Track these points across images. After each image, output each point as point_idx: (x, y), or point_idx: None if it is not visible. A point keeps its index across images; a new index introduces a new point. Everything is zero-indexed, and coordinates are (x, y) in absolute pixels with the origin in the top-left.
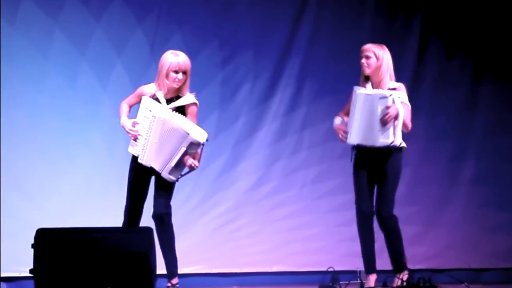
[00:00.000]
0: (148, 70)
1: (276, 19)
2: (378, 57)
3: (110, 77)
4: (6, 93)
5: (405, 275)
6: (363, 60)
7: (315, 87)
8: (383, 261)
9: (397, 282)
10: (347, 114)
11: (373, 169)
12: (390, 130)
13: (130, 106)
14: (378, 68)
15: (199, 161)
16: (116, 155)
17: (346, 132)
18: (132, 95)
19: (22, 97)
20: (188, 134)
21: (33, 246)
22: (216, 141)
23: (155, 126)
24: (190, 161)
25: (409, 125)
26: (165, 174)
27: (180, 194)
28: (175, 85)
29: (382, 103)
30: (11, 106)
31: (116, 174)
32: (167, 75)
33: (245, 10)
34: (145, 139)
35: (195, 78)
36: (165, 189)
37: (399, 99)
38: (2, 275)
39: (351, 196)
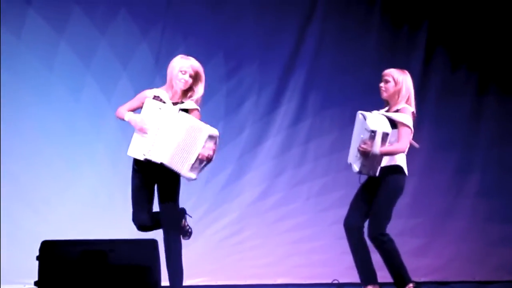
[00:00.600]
0: (153, 82)
1: (281, 31)
2: (397, 82)
3: (115, 89)
4: (11, 105)
5: None
6: (382, 84)
7: (320, 99)
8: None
9: None
10: None
11: (370, 188)
12: (361, 160)
13: (130, 111)
14: (396, 93)
15: (214, 153)
16: (120, 167)
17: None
18: (133, 100)
19: (27, 109)
20: (205, 129)
21: (37, 258)
22: (221, 152)
23: (168, 123)
24: (207, 152)
25: (401, 150)
26: (185, 173)
27: (184, 206)
28: (182, 86)
29: (365, 134)
30: (16, 118)
31: (120, 186)
32: (175, 75)
33: (250, 22)
34: (155, 135)
35: None
36: (171, 198)
37: (387, 137)
38: (7, 287)
39: None
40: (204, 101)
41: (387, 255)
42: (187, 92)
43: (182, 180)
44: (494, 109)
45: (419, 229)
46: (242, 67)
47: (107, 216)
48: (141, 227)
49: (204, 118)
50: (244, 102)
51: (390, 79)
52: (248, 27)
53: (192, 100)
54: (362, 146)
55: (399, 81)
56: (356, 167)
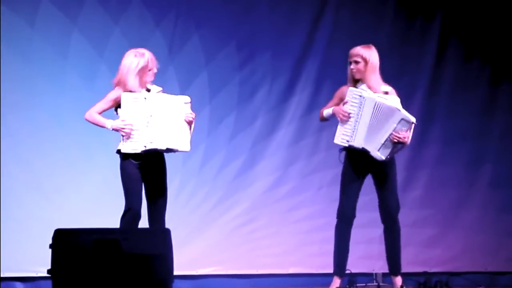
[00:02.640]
0: (166, 71)
1: (294, 21)
2: (367, 60)
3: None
4: (25, 93)
5: (400, 280)
6: (352, 66)
7: (333, 89)
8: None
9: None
10: None
11: (367, 171)
12: (390, 149)
13: (100, 114)
14: (368, 71)
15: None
16: None
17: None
18: (102, 101)
19: (41, 98)
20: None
21: (51, 246)
22: (233, 142)
23: (159, 109)
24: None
25: None
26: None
27: (197, 195)
28: (152, 78)
29: (402, 124)
30: (30, 106)
31: None
32: (145, 73)
33: (263, 11)
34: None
35: (213, 79)
36: (163, 198)
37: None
38: (19, 275)
39: (369, 198)
40: (216, 90)
41: (398, 236)
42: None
43: (195, 171)
44: (507, 101)
45: (432, 220)
46: (255, 56)
47: (120, 205)
48: (138, 216)
49: (217, 107)
50: (257, 92)
51: (359, 59)
52: (261, 17)
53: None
54: (398, 136)
55: (369, 59)
56: (381, 155)
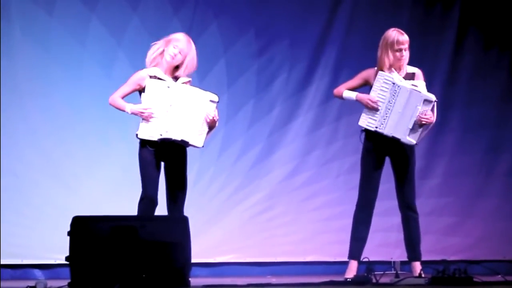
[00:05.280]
0: None
1: (312, 9)
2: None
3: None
4: (43, 80)
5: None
6: (403, 54)
7: (350, 77)
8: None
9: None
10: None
11: (386, 154)
12: (419, 132)
13: (123, 97)
14: (408, 57)
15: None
16: None
17: (374, 102)
18: (126, 84)
19: (59, 85)
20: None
21: (69, 233)
22: (251, 130)
23: (181, 100)
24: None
25: None
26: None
27: (215, 183)
28: (168, 58)
29: (425, 105)
30: (48, 93)
31: None
32: (167, 48)
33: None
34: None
35: (231, 67)
36: (182, 192)
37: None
38: (38, 262)
39: (386, 186)
40: (234, 78)
41: (415, 223)
42: (176, 68)
43: (213, 159)
44: None
45: (450, 208)
46: (273, 44)
47: (138, 192)
48: (154, 203)
49: (235, 95)
50: (275, 80)
51: (407, 46)
52: (280, 5)
53: (188, 76)
54: (425, 117)
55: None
56: (412, 140)
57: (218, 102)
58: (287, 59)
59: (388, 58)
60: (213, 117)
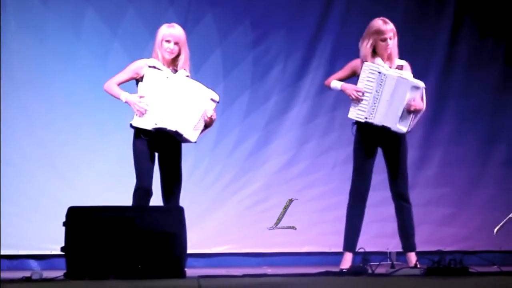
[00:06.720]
0: None
1: None
2: (395, 35)
3: (141, 56)
4: (39, 71)
5: (415, 258)
6: (389, 43)
7: None
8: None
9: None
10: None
11: (378, 145)
12: (409, 120)
13: (119, 85)
14: (395, 46)
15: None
16: None
17: (359, 92)
18: (124, 72)
19: (55, 75)
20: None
21: (64, 224)
22: (247, 121)
23: (178, 91)
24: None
25: None
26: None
27: (210, 174)
28: (167, 55)
29: (413, 92)
30: (44, 84)
31: None
32: (160, 45)
33: None
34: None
35: (227, 58)
36: (177, 183)
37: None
38: (33, 253)
39: (382, 176)
40: (230, 69)
41: (408, 213)
42: (175, 60)
43: (208, 149)
44: None
45: (446, 199)
46: (269, 35)
47: (134, 182)
48: (148, 193)
49: (231, 86)
50: (271, 70)
51: (392, 34)
52: None
53: (185, 69)
54: (413, 104)
55: (396, 33)
56: (403, 128)
57: (218, 102)
58: (283, 49)
59: (371, 47)
60: (211, 116)
